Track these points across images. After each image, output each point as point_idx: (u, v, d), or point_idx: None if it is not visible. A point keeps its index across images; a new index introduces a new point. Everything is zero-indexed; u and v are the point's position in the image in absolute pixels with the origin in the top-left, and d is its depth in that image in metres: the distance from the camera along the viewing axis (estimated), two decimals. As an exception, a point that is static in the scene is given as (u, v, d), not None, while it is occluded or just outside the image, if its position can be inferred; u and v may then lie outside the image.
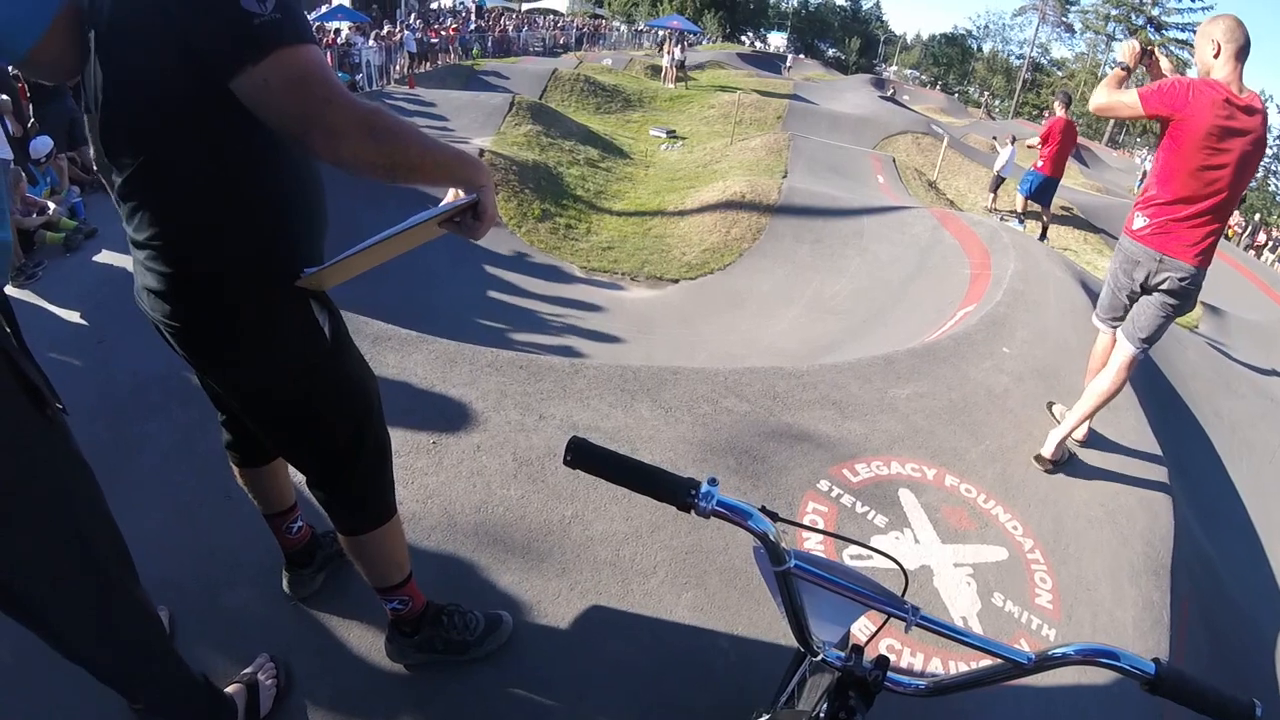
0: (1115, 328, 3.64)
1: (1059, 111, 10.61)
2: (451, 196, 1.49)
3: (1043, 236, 10.72)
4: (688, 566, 2.63)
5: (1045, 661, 1.04)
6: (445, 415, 3.12)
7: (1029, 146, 11.63)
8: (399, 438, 2.81)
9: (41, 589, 1.32)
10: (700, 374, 3.76)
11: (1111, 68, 3.75)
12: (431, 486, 2.72)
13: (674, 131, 18.17)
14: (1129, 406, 4.42)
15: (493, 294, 8.16)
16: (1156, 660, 1.00)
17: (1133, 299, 3.50)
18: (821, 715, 1.11)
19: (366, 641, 2.14)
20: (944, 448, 3.62)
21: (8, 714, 1.90)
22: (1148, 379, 4.10)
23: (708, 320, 7.86)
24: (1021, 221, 11.00)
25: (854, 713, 1.07)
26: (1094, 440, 4.03)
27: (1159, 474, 3.99)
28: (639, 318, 7.85)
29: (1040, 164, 10.56)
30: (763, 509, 1.03)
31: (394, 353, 3.38)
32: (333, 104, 1.18)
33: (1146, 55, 3.50)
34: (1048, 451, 3.71)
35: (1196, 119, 3.05)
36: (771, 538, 1.02)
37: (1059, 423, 4.07)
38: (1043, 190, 10.69)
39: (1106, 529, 3.48)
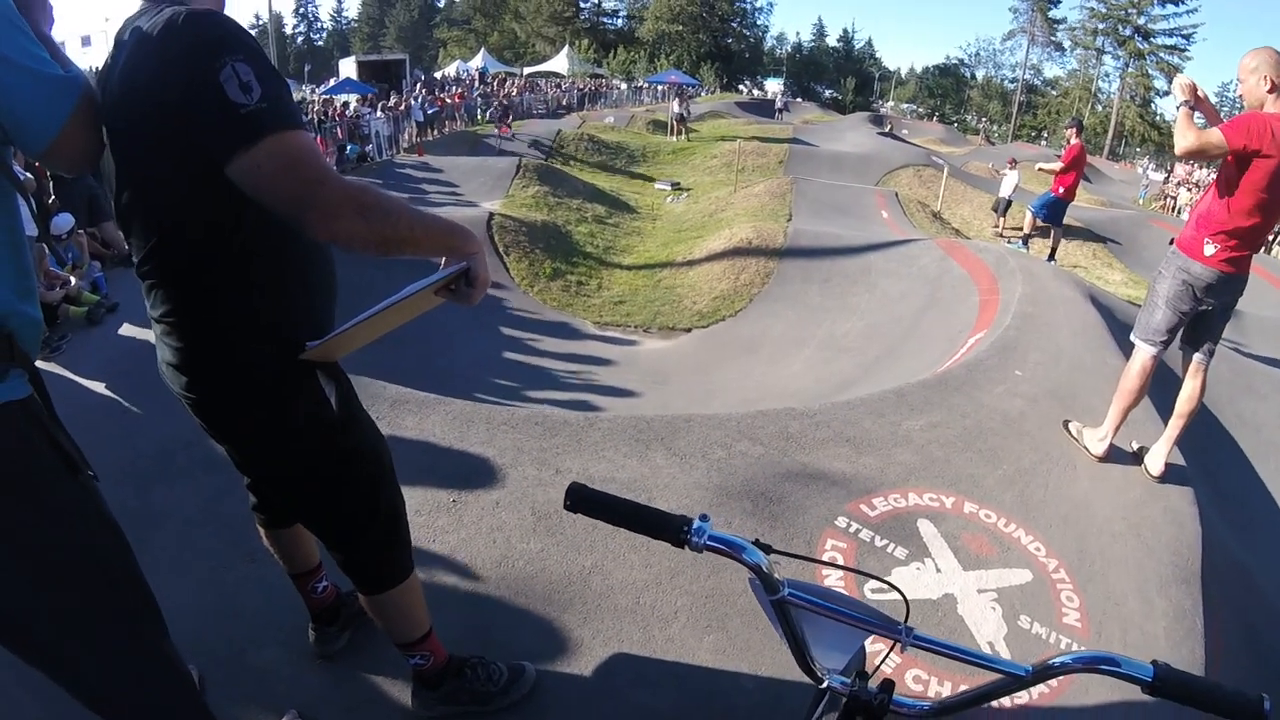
0: (1166, 347, 3.73)
1: (1073, 139, 10.75)
2: (445, 264, 1.56)
3: (1051, 256, 10.74)
4: (708, 610, 2.64)
5: (1045, 672, 1.06)
6: (464, 473, 3.18)
7: (1041, 170, 11.75)
8: (420, 496, 2.89)
9: (75, 647, 1.37)
10: (713, 420, 3.81)
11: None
12: (453, 543, 2.76)
13: (678, 183, 18.42)
14: (1148, 419, 4.39)
15: (508, 354, 8.25)
16: (1155, 663, 1.01)
17: (1191, 316, 3.63)
18: None
19: (392, 696, 2.17)
20: (961, 475, 3.63)
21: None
22: (1165, 388, 4.09)
23: (722, 367, 7.90)
24: (1026, 244, 11.03)
25: None
26: (1115, 455, 4.02)
27: (1183, 484, 3.95)
28: (653, 369, 7.92)
29: (1060, 189, 10.63)
30: (756, 541, 1.07)
31: (412, 415, 3.46)
32: (324, 185, 1.26)
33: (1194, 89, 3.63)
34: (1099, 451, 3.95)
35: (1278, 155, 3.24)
36: (764, 568, 1.06)
37: (1077, 440, 4.08)
38: (1055, 211, 10.77)
39: (1132, 542, 3.44)
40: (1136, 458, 4.02)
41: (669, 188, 17.96)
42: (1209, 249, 3.46)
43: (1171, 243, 3.71)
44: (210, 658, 2.20)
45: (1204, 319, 3.65)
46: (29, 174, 5.91)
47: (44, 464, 1.27)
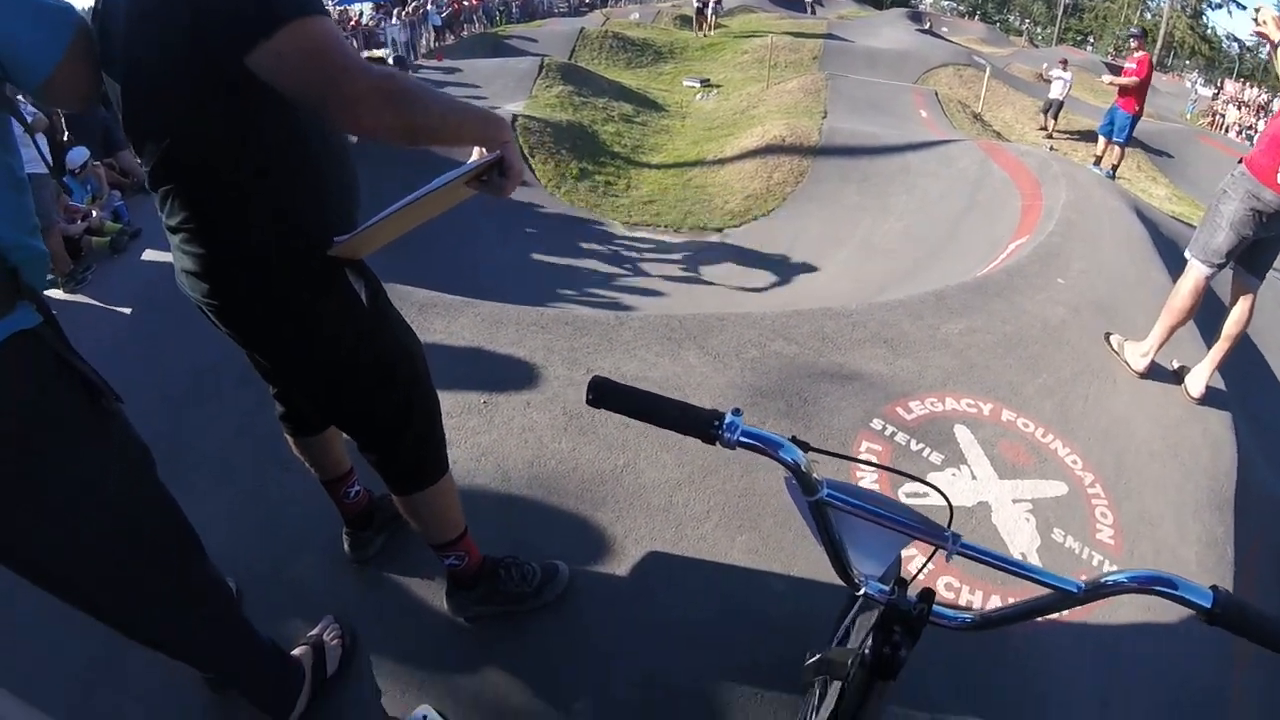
0: (1221, 269, 3.61)
1: (1138, 50, 9.96)
2: (476, 155, 1.49)
3: (1113, 173, 10.23)
4: (741, 510, 2.62)
5: (1097, 590, 1.00)
6: (494, 375, 3.14)
7: (1112, 85, 10.84)
8: (450, 399, 2.84)
9: (104, 577, 1.36)
10: (747, 319, 3.72)
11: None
12: (484, 444, 2.74)
13: (708, 80, 17.78)
14: (1191, 340, 4.27)
15: (537, 256, 8.14)
16: (1215, 588, 0.95)
17: (1253, 239, 3.49)
18: (867, 651, 1.08)
19: (427, 598, 2.18)
20: (999, 382, 3.55)
21: (94, 699, 1.99)
22: (1210, 314, 3.96)
23: (755, 268, 7.76)
24: (1113, 174, 10.37)
25: (898, 648, 1.03)
26: (1156, 373, 3.92)
27: (1222, 409, 3.86)
28: (684, 270, 7.80)
29: (1135, 107, 9.84)
30: (793, 439, 1.01)
31: (441, 318, 3.41)
32: (348, 72, 1.19)
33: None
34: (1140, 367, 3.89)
35: None
36: (802, 467, 1.01)
37: (1118, 354, 3.98)
38: (1132, 129, 10.08)
39: (1169, 463, 3.38)
40: (1177, 377, 3.93)
41: (698, 84, 17.34)
42: None
43: (1240, 162, 3.51)
44: (247, 570, 2.20)
45: (1264, 244, 3.52)
46: (39, 112, 5.76)
47: (61, 392, 1.23)
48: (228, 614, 1.63)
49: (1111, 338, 4.11)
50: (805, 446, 1.01)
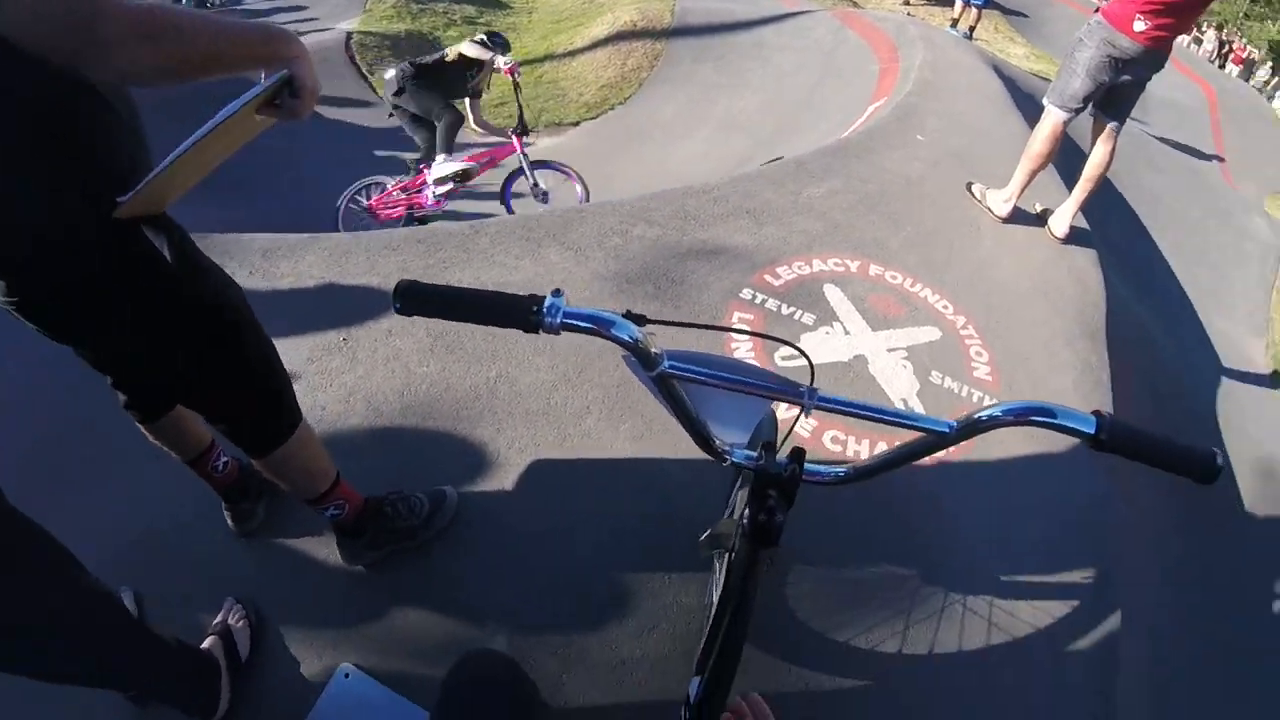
0: (1078, 114, 3.70)
1: None
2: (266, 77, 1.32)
3: (970, 35, 10.38)
4: (620, 399, 2.54)
5: (972, 426, 0.96)
6: (350, 309, 2.90)
7: None
8: (308, 342, 2.67)
9: None
10: (606, 207, 3.55)
11: None
12: (350, 383, 2.54)
13: (554, -29, 16.96)
14: (1054, 183, 4.39)
15: (384, 179, 7.71)
16: (1097, 413, 0.91)
17: (1109, 85, 3.58)
18: (745, 521, 1.06)
19: (322, 555, 2.05)
20: (865, 239, 3.52)
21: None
22: (1069, 159, 4.04)
23: (616, 157, 7.55)
24: (970, 35, 10.51)
25: (774, 512, 1.00)
26: (1020, 217, 4.01)
27: (1086, 246, 4.00)
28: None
29: None
30: (627, 313, 0.94)
31: (286, 260, 3.10)
32: (99, 13, 1.02)
33: None
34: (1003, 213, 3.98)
35: None
36: (639, 343, 0.93)
37: (980, 201, 4.03)
38: None
39: (1038, 301, 3.49)
40: (1041, 220, 4.04)
41: (546, -24, 16.48)
42: (1139, 24, 3.38)
43: (1096, 11, 3.58)
44: (136, 571, 2.03)
45: (1121, 89, 3.61)
46: None
47: None
48: (125, 625, 1.50)
49: (973, 187, 4.16)
50: (640, 320, 0.94)
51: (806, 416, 1.03)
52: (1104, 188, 6.93)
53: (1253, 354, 7.16)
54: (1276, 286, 8.23)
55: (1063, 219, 3.90)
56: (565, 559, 2.06)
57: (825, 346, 2.91)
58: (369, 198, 6.12)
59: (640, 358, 0.96)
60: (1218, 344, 6.65)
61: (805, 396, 1.00)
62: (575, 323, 0.92)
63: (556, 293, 0.92)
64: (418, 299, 0.93)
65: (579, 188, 6.01)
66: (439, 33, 11.48)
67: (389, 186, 6.16)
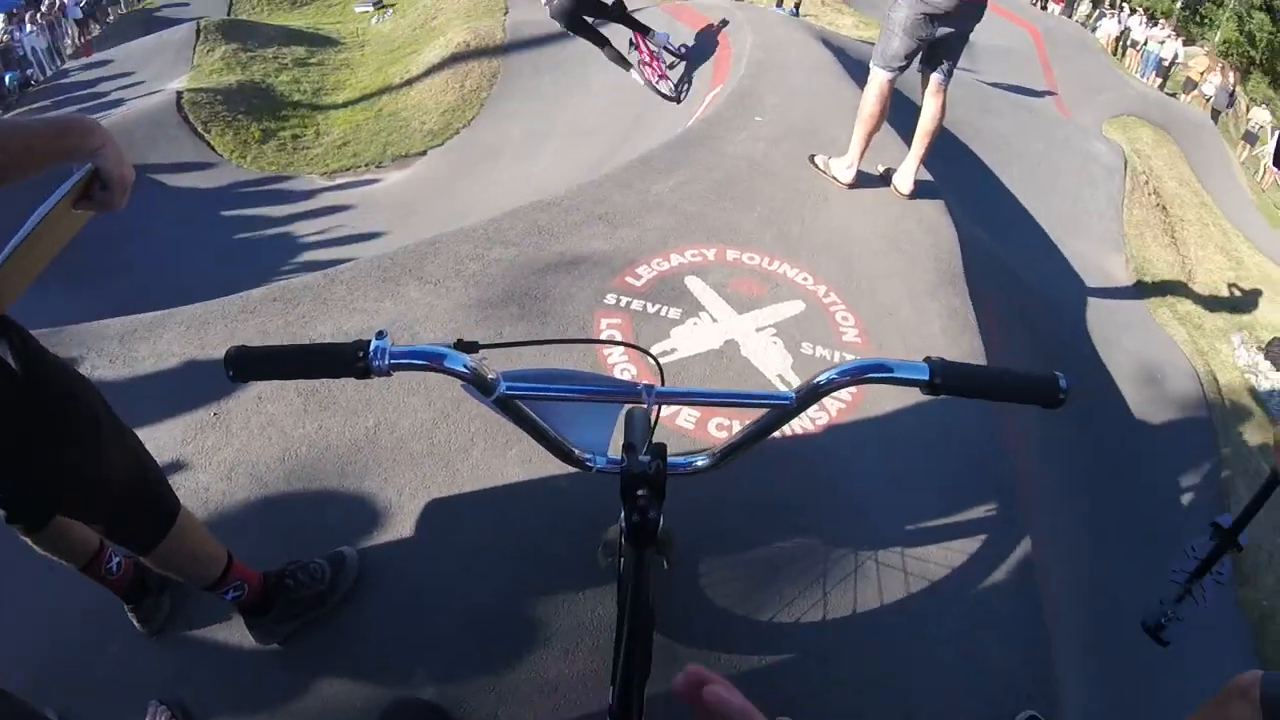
0: (901, 72, 3.77)
1: None
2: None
3: (796, 10, 10.72)
4: (503, 426, 2.45)
5: (813, 393, 1.01)
6: (216, 381, 2.73)
7: None
8: (180, 424, 2.56)
9: None
10: (460, 235, 3.48)
11: None
12: (229, 458, 2.43)
13: (380, 2, 16.71)
14: (892, 143, 4.54)
15: (240, 235, 7.44)
16: (929, 359, 0.97)
17: (928, 42, 3.66)
18: (625, 526, 1.07)
19: (235, 639, 1.96)
20: (719, 226, 3.57)
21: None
22: (904, 116, 4.21)
23: (468, 181, 7.47)
24: (797, 10, 10.82)
25: (646, 511, 1.02)
26: (865, 180, 4.13)
27: (933, 198, 4.16)
28: (398, 204, 7.40)
29: None
30: (458, 342, 0.96)
31: (144, 341, 2.92)
32: None
33: None
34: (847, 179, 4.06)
35: None
36: (472, 371, 0.95)
37: (825, 171, 4.15)
38: None
39: (893, 256, 3.61)
40: (885, 180, 4.17)
41: (370, 8, 16.32)
42: None
43: None
44: (50, 691, 1.92)
45: (942, 42, 3.70)
46: None
47: None
48: None
49: (816, 158, 4.26)
50: (471, 347, 0.96)
51: (652, 411, 1.06)
52: (948, 138, 7.33)
53: (1113, 270, 7.75)
54: (1125, 203, 8.90)
55: (906, 176, 4.04)
56: (477, 595, 2.04)
57: (695, 337, 2.93)
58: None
59: (477, 385, 0.96)
60: (1080, 266, 7.15)
61: (645, 395, 1.02)
62: (405, 361, 0.92)
63: (380, 334, 0.92)
64: (248, 364, 0.94)
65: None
66: (271, 79, 11.11)
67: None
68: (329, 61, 12.45)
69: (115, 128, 8.68)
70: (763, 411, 1.05)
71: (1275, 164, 16.53)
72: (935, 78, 3.82)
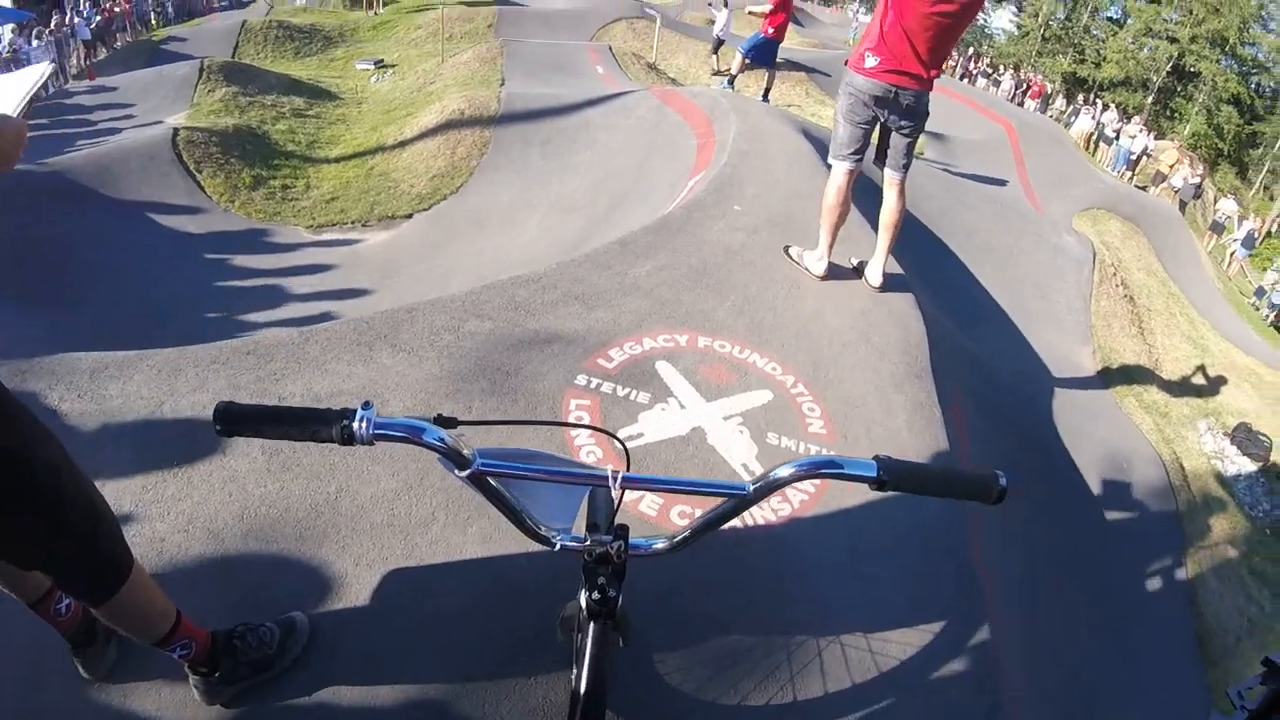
0: (857, 161, 3.93)
1: None
2: None
3: (765, 96, 11.09)
4: (465, 502, 2.50)
5: (768, 486, 1.07)
6: (182, 429, 2.74)
7: (750, 14, 11.80)
8: (141, 469, 2.54)
9: None
10: (437, 304, 3.54)
11: None
12: (188, 510, 2.41)
13: (382, 61, 17.10)
14: (865, 236, 4.68)
15: (221, 283, 7.44)
16: (878, 458, 1.02)
17: (870, 128, 3.82)
18: (583, 602, 1.14)
19: (180, 696, 1.93)
20: (692, 312, 3.66)
21: None
22: (876, 207, 4.38)
23: (452, 247, 7.57)
24: (732, 84, 11.25)
25: (605, 589, 1.09)
26: (837, 272, 4.25)
27: (903, 291, 4.29)
28: (381, 264, 7.45)
29: (769, 30, 10.77)
30: (437, 417, 1.00)
31: (114, 380, 2.91)
32: None
33: None
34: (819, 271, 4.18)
35: None
36: (447, 446, 1.00)
37: (798, 263, 4.28)
38: (764, 51, 10.94)
39: (862, 348, 3.70)
40: (857, 272, 4.29)
41: (372, 66, 16.68)
42: (869, 61, 3.67)
43: (846, 63, 3.89)
44: None
45: (890, 138, 3.89)
46: None
47: None
48: None
49: (791, 249, 4.38)
50: (450, 423, 1.00)
51: (618, 495, 1.09)
52: (922, 230, 7.56)
53: (1081, 360, 7.93)
54: (1094, 295, 9.17)
55: (875, 268, 4.17)
56: (430, 670, 2.02)
57: (662, 423, 2.98)
58: None
59: (453, 459, 1.01)
60: (1048, 357, 7.33)
61: (612, 479, 1.06)
62: (387, 432, 0.97)
63: (366, 405, 0.97)
64: (236, 419, 0.98)
65: None
66: (267, 126, 11.25)
67: None
68: (326, 115, 12.63)
69: (110, 156, 8.86)
70: (721, 500, 1.11)
71: (1244, 248, 17.17)
72: (889, 173, 3.99)
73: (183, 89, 12.45)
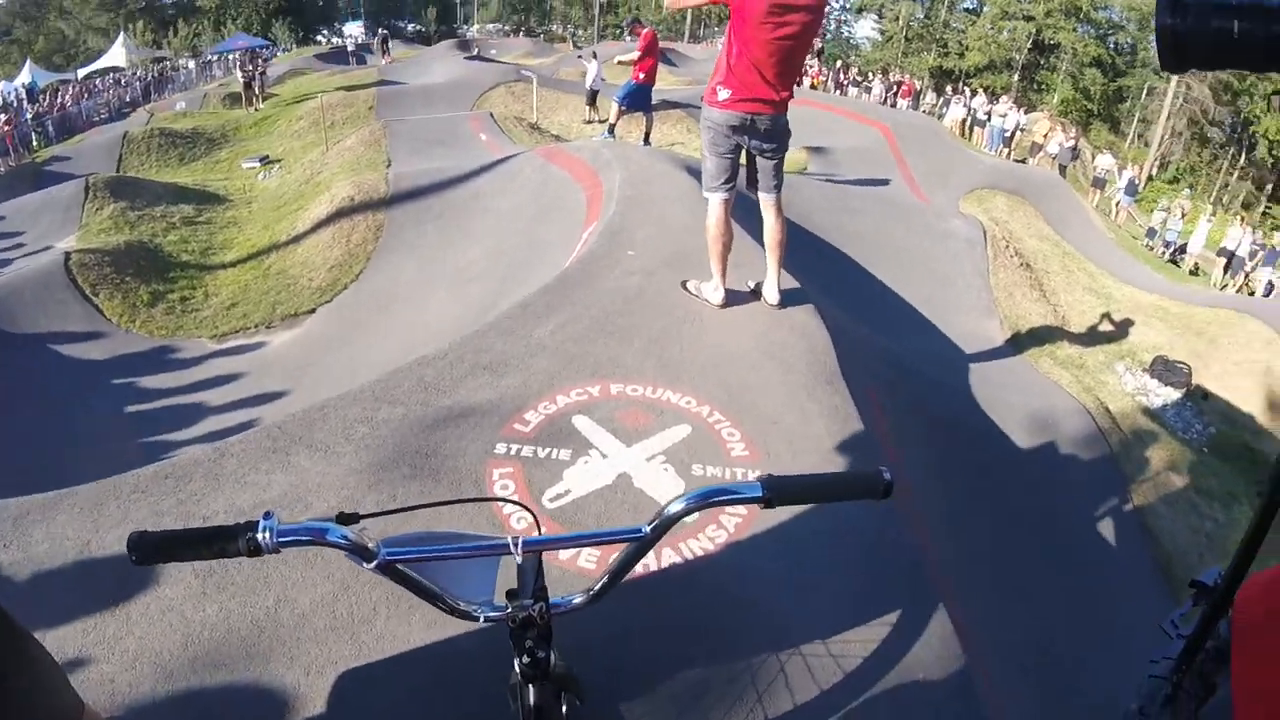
0: (730, 190, 4.10)
1: (640, 32, 11.27)
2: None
3: (646, 140, 11.39)
4: (403, 591, 2.50)
5: (664, 523, 1.11)
6: (113, 565, 2.65)
7: (620, 63, 12.17)
8: (79, 613, 2.47)
9: None
10: (348, 397, 3.53)
11: None
12: (132, 648, 2.34)
13: (267, 157, 16.93)
14: (756, 258, 4.81)
15: (132, 408, 7.23)
16: (761, 478, 1.08)
17: (735, 156, 4.01)
18: (518, 669, 1.16)
19: None
20: (601, 361, 3.74)
21: None
22: (760, 226, 4.55)
23: (361, 336, 7.52)
24: (612, 132, 11.57)
25: (534, 652, 1.11)
26: (735, 298, 4.39)
27: (802, 303, 4.45)
28: (290, 364, 7.35)
29: (639, 76, 11.08)
30: (339, 515, 1.02)
31: (39, 524, 2.81)
32: None
33: None
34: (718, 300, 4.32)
35: (751, 4, 3.60)
36: (350, 543, 1.02)
37: (697, 296, 4.42)
38: (638, 97, 11.22)
39: (770, 366, 3.81)
40: (755, 294, 4.44)
41: (258, 164, 16.49)
42: (721, 94, 3.87)
43: (702, 99, 4.10)
44: None
45: (756, 163, 4.09)
46: None
47: None
48: None
49: (688, 284, 4.51)
50: (353, 518, 1.02)
51: (521, 560, 1.13)
52: (816, 241, 7.82)
53: (990, 333, 8.24)
54: (991, 269, 9.59)
55: (771, 287, 4.32)
56: None
57: (588, 476, 3.03)
58: None
59: (359, 554, 1.03)
60: (957, 336, 7.58)
61: (513, 546, 1.10)
62: (291, 539, 0.99)
63: (268, 515, 0.99)
64: (150, 549, 0.99)
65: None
66: (159, 238, 11.01)
67: None
68: (217, 220, 12.43)
69: (3, 289, 8.56)
70: (625, 545, 1.15)
71: (1128, 195, 18.17)
72: (763, 195, 4.18)
73: (70, 209, 12.15)
